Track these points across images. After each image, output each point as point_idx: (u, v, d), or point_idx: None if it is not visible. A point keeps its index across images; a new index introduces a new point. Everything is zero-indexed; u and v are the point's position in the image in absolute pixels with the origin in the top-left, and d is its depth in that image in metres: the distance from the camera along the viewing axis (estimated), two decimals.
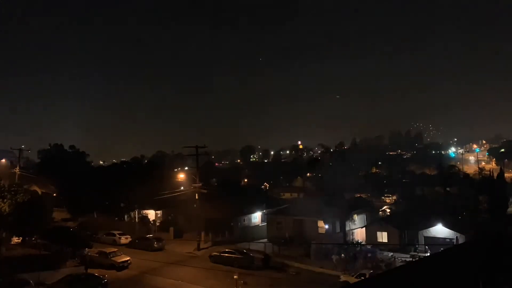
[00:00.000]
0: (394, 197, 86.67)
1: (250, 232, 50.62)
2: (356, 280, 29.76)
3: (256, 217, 55.63)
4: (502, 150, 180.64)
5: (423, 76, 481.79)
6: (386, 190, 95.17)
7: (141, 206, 57.71)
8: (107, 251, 37.93)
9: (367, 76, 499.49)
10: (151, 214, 58.28)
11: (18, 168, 62.80)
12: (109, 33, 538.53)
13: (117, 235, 47.13)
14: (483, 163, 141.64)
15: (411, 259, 36.80)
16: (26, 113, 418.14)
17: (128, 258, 37.52)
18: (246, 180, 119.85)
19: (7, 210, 37.55)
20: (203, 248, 44.27)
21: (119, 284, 32.69)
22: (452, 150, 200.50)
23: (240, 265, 35.71)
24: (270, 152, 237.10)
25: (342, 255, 39.16)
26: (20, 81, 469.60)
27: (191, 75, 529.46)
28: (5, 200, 37.98)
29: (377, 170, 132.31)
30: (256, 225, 54.36)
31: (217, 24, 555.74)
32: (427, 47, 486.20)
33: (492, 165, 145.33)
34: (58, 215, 60.04)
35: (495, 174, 74.38)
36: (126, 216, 60.50)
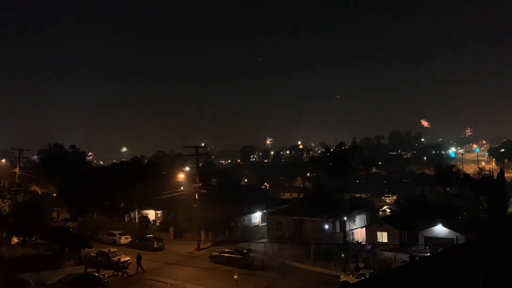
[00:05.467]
0: (394, 197, 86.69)
1: (250, 232, 50.60)
2: (356, 280, 29.77)
3: (256, 217, 55.63)
4: (502, 150, 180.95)
5: (423, 76, 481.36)
6: (386, 190, 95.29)
7: (141, 206, 57.69)
8: (107, 251, 37.93)
9: (367, 76, 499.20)
10: (151, 214, 58.27)
11: (18, 168, 62.79)
12: (110, 33, 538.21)
13: (117, 235, 47.13)
14: (483, 163, 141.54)
15: (408, 258, 36.89)
16: (26, 113, 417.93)
17: (128, 258, 37.52)
18: (246, 180, 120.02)
19: (7, 210, 37.54)
20: (203, 248, 44.27)
21: (119, 284, 32.69)
22: (452, 150, 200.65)
23: (240, 265, 35.71)
24: (270, 152, 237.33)
25: (342, 255, 39.23)
26: (20, 81, 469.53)
27: (191, 75, 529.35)
28: (5, 200, 37.98)
29: (377, 170, 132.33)
30: (256, 225, 54.36)
31: (217, 23, 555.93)
32: (426, 47, 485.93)
33: (492, 165, 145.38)
34: (58, 215, 60.01)
35: (495, 174, 74.38)
36: (126, 216, 60.49)
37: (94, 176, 62.12)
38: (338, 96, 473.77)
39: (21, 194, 39.32)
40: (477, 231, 40.09)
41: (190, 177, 53.94)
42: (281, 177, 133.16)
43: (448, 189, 69.36)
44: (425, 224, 44.36)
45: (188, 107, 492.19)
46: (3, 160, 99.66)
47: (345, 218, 48.38)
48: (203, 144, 56.20)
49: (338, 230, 47.98)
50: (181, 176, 76.31)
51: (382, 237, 45.75)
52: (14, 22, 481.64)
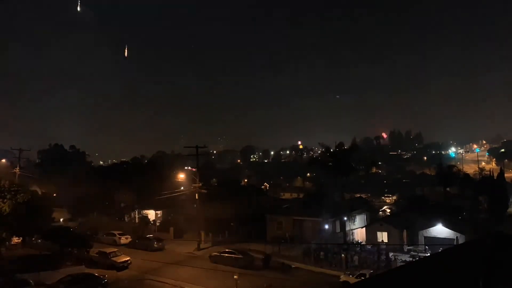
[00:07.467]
0: (394, 197, 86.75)
1: None
2: (356, 280, 29.77)
3: None
4: (502, 150, 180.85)
5: (422, 76, 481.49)
6: (386, 190, 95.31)
7: (141, 206, 57.70)
8: (107, 251, 37.95)
9: (366, 75, 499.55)
10: (151, 214, 58.28)
11: (18, 168, 62.78)
12: (109, 32, 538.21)
13: (117, 235, 47.15)
14: (483, 163, 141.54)
15: (411, 258, 36.81)
16: (26, 113, 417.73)
17: (128, 258, 37.55)
18: (246, 180, 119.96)
19: (7, 210, 37.49)
20: (203, 248, 44.28)
21: (119, 284, 32.69)
22: (452, 150, 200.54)
23: (240, 265, 35.71)
24: (270, 152, 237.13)
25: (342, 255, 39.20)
26: (20, 81, 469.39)
27: (191, 75, 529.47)
28: (5, 200, 37.93)
29: (377, 170, 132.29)
30: None
31: (214, 21, 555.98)
32: (426, 47, 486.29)
33: (492, 165, 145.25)
34: (58, 215, 59.93)
35: (495, 174, 74.37)
36: (126, 216, 60.49)
37: (94, 176, 62.19)
38: (338, 96, 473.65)
39: (21, 194, 39.22)
40: (477, 231, 40.09)
41: (190, 177, 53.92)
42: (281, 177, 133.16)
43: (448, 189, 69.34)
44: (425, 224, 44.34)
45: (189, 107, 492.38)
46: (3, 160, 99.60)
47: (345, 218, 48.41)
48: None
49: (338, 230, 48.00)
50: (181, 176, 76.37)
51: (382, 237, 45.73)
52: (13, 18, 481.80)
